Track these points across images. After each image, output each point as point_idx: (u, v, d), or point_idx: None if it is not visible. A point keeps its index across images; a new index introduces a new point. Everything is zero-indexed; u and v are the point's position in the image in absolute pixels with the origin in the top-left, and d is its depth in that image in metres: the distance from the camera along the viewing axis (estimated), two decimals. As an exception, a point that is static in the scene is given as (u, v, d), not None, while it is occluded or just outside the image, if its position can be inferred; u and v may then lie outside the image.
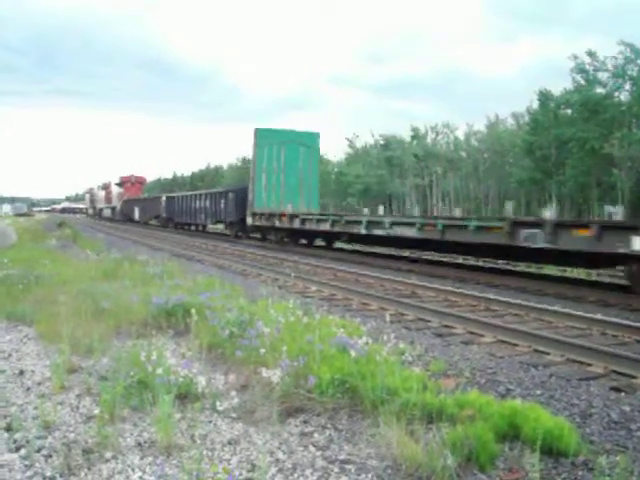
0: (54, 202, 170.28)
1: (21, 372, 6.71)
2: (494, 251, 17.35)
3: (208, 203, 37.45)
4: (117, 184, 63.91)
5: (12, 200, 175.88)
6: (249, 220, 30.33)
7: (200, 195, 40.08)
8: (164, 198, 48.15)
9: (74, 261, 16.79)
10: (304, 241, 28.38)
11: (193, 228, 43.44)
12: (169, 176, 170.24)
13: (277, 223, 27.40)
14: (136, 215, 53.00)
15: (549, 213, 14.66)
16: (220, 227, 39.63)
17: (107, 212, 64.37)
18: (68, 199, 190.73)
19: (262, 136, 30.21)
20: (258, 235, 31.68)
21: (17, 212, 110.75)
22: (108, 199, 65.72)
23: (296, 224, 25.78)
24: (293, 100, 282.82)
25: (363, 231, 21.01)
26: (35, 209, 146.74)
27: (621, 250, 11.82)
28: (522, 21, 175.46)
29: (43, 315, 8.90)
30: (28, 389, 6.11)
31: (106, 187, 68.27)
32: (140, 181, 61.35)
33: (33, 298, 10.40)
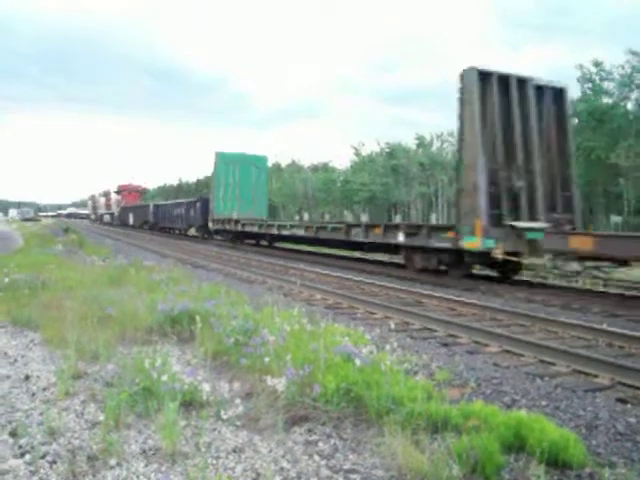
0: (60, 207, 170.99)
1: (27, 377, 6.72)
2: (340, 243, 25.21)
3: (183, 210, 44.27)
4: (116, 192, 69.41)
5: (19, 205, 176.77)
6: (210, 224, 37.57)
7: (177, 204, 47.41)
8: (152, 206, 54.36)
9: (80, 267, 16.81)
10: (251, 241, 35.35)
11: (177, 232, 48.79)
12: (175, 182, 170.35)
13: (227, 227, 35.00)
14: (131, 220, 59.05)
15: (364, 218, 23.92)
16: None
17: (107, 218, 70.06)
18: (74, 204, 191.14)
19: (221, 158, 37.74)
20: (219, 237, 38.32)
21: (24, 217, 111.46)
22: (108, 206, 71.46)
23: (239, 227, 33.37)
24: (300, 108, 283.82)
25: (275, 232, 29.05)
26: (41, 214, 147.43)
27: (392, 241, 19.64)
28: (529, 30, 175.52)
29: (49, 320, 8.91)
30: (33, 395, 6.11)
31: (106, 194, 73.75)
32: (137, 189, 67.27)
33: (39, 303, 10.41)
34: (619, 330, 9.42)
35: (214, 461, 4.48)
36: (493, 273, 18.08)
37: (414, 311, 11.22)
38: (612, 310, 12.43)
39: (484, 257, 16.28)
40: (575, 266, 14.13)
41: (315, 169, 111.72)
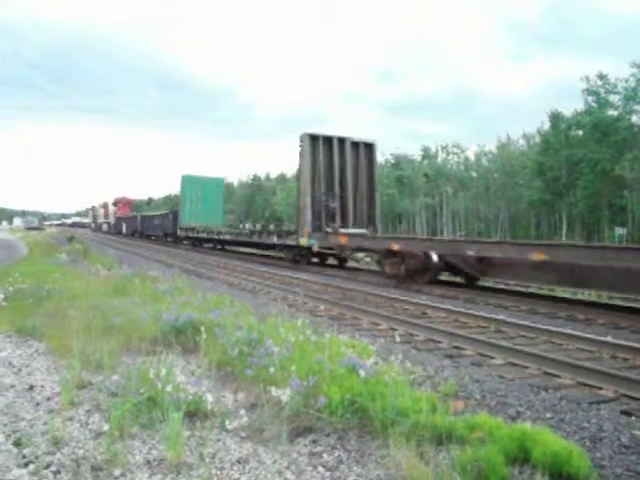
0: (64, 216, 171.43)
1: (31, 387, 6.72)
2: (248, 244, 34.23)
3: (160, 221, 53.77)
4: (112, 204, 77.66)
5: (23, 214, 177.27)
6: (178, 232, 46.10)
7: (156, 215, 57.65)
8: (139, 217, 63.90)
9: (85, 276, 16.84)
10: (210, 245, 43.06)
11: (156, 238, 56.43)
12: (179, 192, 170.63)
13: (190, 234, 43.92)
14: (124, 229, 67.89)
15: (257, 225, 32.56)
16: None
17: (105, 227, 78.65)
18: (78, 214, 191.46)
19: (187, 179, 46.71)
20: (186, 242, 47.20)
21: (28, 226, 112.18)
22: (106, 216, 79.77)
23: (196, 234, 42.55)
24: (306, 118, 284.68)
25: (216, 237, 38.57)
26: (46, 223, 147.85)
27: (269, 241, 28.92)
28: (535, 42, 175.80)
29: (53, 330, 8.92)
30: (37, 404, 6.11)
31: (104, 206, 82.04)
32: (129, 202, 75.27)
33: (44, 312, 10.43)
34: (624, 342, 9.40)
35: (218, 472, 4.48)
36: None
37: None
38: (617, 322, 12.40)
39: (310, 250, 25.39)
40: (359, 255, 25.15)
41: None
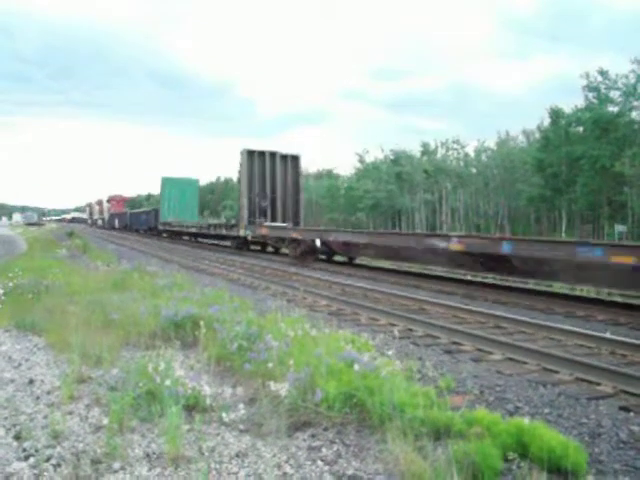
0: (64, 212, 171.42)
1: (31, 381, 6.75)
2: (208, 236, 40.14)
3: (145, 217, 60.26)
4: (107, 201, 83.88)
5: (23, 210, 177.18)
6: (159, 226, 51.73)
7: (142, 212, 64.92)
8: (128, 213, 71.38)
9: (84, 271, 16.87)
10: (184, 237, 48.62)
11: (142, 232, 62.05)
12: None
13: (167, 228, 49.42)
14: (116, 224, 74.77)
15: (211, 220, 41.56)
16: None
17: (100, 222, 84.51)
18: (77, 209, 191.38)
19: (165, 181, 51.66)
20: (165, 235, 52.88)
21: (28, 221, 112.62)
22: (101, 212, 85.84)
23: (171, 228, 48.00)
24: (305, 114, 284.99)
25: (186, 230, 44.31)
26: (46, 219, 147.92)
27: (220, 232, 35.04)
28: (536, 38, 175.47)
29: (53, 325, 8.94)
30: (37, 398, 6.14)
31: (99, 203, 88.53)
32: (122, 199, 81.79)
33: (43, 308, 10.46)
34: (622, 338, 9.41)
35: (217, 466, 4.50)
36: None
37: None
38: (616, 318, 12.42)
39: (245, 239, 31.83)
40: (281, 244, 28.60)
41: (319, 176, 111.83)
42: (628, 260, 11.70)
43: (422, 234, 22.89)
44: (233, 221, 37.31)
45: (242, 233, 31.28)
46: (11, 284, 12.43)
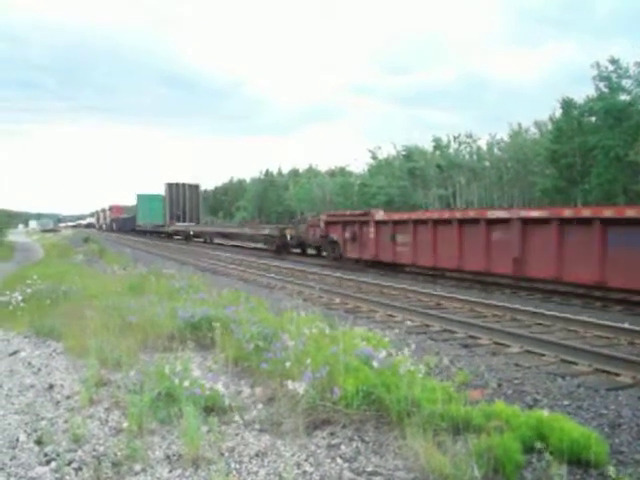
0: (79, 218, 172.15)
1: (50, 386, 6.80)
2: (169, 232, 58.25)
3: (130, 221, 73.37)
4: (109, 209, 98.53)
5: (38, 216, 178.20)
6: (136, 228, 66.87)
7: (127, 217, 79.00)
8: (120, 218, 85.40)
9: (101, 276, 16.96)
10: (149, 234, 65.54)
11: (126, 232, 76.23)
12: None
13: (140, 229, 65.25)
14: (114, 227, 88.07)
15: (187, 226, 53.93)
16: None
17: (104, 226, 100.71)
18: (92, 215, 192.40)
19: (140, 197, 65.77)
20: (139, 233, 67.18)
21: (43, 228, 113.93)
22: (105, 218, 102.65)
23: (142, 229, 64.59)
24: (315, 111, 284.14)
25: (149, 230, 62.74)
26: (62, 225, 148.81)
27: (165, 230, 58.35)
28: (547, 26, 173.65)
29: (71, 330, 9.00)
30: (57, 403, 6.19)
31: (104, 211, 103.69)
32: (120, 208, 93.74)
33: (61, 313, 10.53)
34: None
35: (237, 466, 4.52)
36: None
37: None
38: (633, 308, 12.34)
39: (170, 234, 55.74)
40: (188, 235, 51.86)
41: (332, 173, 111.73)
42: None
43: (252, 223, 50.06)
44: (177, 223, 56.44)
45: (167, 230, 56.43)
46: (29, 290, 12.52)
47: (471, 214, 18.02)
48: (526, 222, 14.91)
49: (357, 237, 22.82)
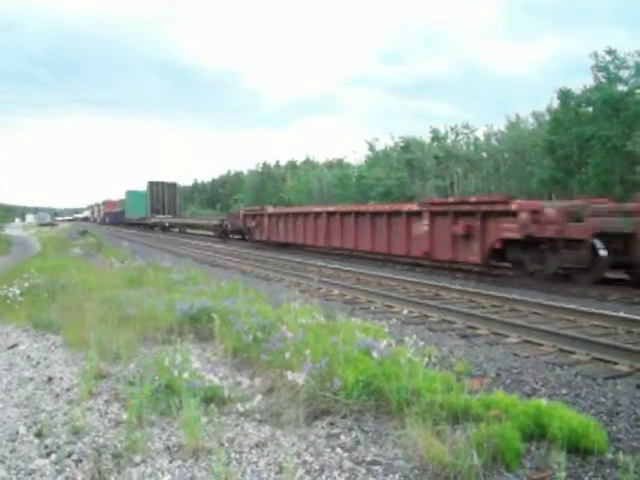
0: (76, 211, 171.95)
1: (50, 379, 6.81)
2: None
3: (120, 215, 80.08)
4: (102, 204, 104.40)
5: (35, 210, 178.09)
6: (124, 221, 74.27)
7: (118, 211, 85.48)
8: (112, 212, 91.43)
9: (99, 269, 16.96)
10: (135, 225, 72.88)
11: (117, 225, 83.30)
12: (189, 183, 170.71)
13: (127, 221, 72.41)
14: (107, 220, 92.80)
15: (165, 218, 62.67)
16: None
17: (98, 220, 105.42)
18: (89, 208, 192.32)
19: (128, 192, 73.31)
20: (126, 225, 74.23)
21: (40, 222, 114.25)
22: (99, 212, 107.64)
23: (128, 221, 72.23)
24: (312, 103, 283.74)
25: (135, 222, 70.04)
26: (59, 218, 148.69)
27: (147, 222, 66.76)
28: (544, 17, 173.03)
29: (70, 323, 9.00)
30: (57, 396, 6.19)
31: (98, 205, 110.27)
32: (113, 202, 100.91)
33: (59, 306, 10.53)
34: (638, 317, 9.37)
35: (237, 456, 4.53)
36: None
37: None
38: (630, 297, 12.37)
39: (151, 225, 64.14)
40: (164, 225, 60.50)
41: (330, 165, 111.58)
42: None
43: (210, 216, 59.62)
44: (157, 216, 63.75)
45: (150, 221, 63.76)
46: (27, 284, 12.52)
47: (330, 208, 26.17)
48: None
49: (259, 225, 32.17)
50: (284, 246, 29.79)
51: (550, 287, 13.91)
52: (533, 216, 14.42)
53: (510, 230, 15.08)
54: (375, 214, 21.37)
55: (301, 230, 27.26)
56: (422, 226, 18.33)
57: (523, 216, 14.59)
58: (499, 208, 15.62)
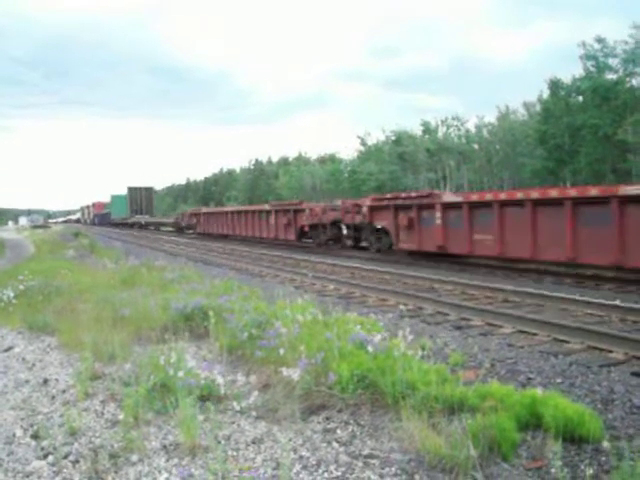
0: (69, 213, 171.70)
1: (45, 381, 6.80)
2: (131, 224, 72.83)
3: (107, 216, 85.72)
4: (92, 205, 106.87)
5: (28, 212, 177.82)
6: (110, 221, 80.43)
7: (105, 212, 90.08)
8: (100, 214, 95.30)
9: (92, 270, 16.90)
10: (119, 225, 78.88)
11: (105, 225, 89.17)
12: (182, 182, 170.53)
13: (112, 221, 79.92)
14: (96, 221, 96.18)
15: (142, 217, 70.92)
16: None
17: (88, 221, 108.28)
18: (81, 210, 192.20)
19: (113, 197, 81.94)
20: (112, 225, 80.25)
21: (34, 224, 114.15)
22: (89, 214, 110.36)
23: (113, 221, 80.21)
24: (305, 99, 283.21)
25: (119, 222, 76.99)
26: (52, 220, 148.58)
27: (130, 221, 72.12)
28: (536, 6, 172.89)
29: (64, 324, 9.00)
30: (53, 397, 6.19)
31: (88, 207, 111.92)
32: (102, 204, 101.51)
33: (54, 308, 10.51)
34: (632, 305, 9.40)
35: (234, 453, 4.54)
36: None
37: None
38: (624, 286, 12.42)
39: (132, 224, 70.00)
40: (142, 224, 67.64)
41: (322, 161, 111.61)
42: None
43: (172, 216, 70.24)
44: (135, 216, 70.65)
45: (130, 221, 69.34)
46: (21, 287, 12.49)
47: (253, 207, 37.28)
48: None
49: (198, 221, 43.21)
50: (214, 236, 39.80)
51: (325, 250, 24.73)
52: (311, 212, 26.06)
53: (305, 220, 26.58)
54: (247, 212, 34.42)
55: (222, 223, 38.16)
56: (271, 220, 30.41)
57: (307, 212, 26.33)
58: (299, 207, 27.69)
